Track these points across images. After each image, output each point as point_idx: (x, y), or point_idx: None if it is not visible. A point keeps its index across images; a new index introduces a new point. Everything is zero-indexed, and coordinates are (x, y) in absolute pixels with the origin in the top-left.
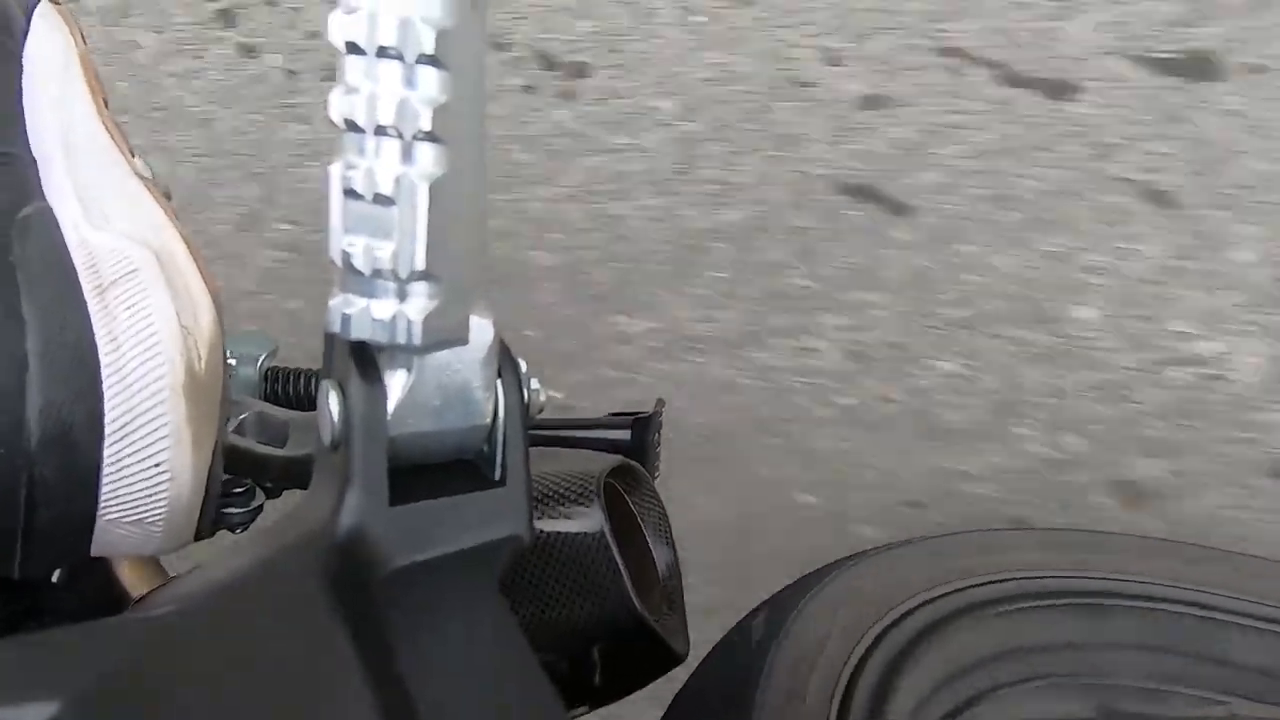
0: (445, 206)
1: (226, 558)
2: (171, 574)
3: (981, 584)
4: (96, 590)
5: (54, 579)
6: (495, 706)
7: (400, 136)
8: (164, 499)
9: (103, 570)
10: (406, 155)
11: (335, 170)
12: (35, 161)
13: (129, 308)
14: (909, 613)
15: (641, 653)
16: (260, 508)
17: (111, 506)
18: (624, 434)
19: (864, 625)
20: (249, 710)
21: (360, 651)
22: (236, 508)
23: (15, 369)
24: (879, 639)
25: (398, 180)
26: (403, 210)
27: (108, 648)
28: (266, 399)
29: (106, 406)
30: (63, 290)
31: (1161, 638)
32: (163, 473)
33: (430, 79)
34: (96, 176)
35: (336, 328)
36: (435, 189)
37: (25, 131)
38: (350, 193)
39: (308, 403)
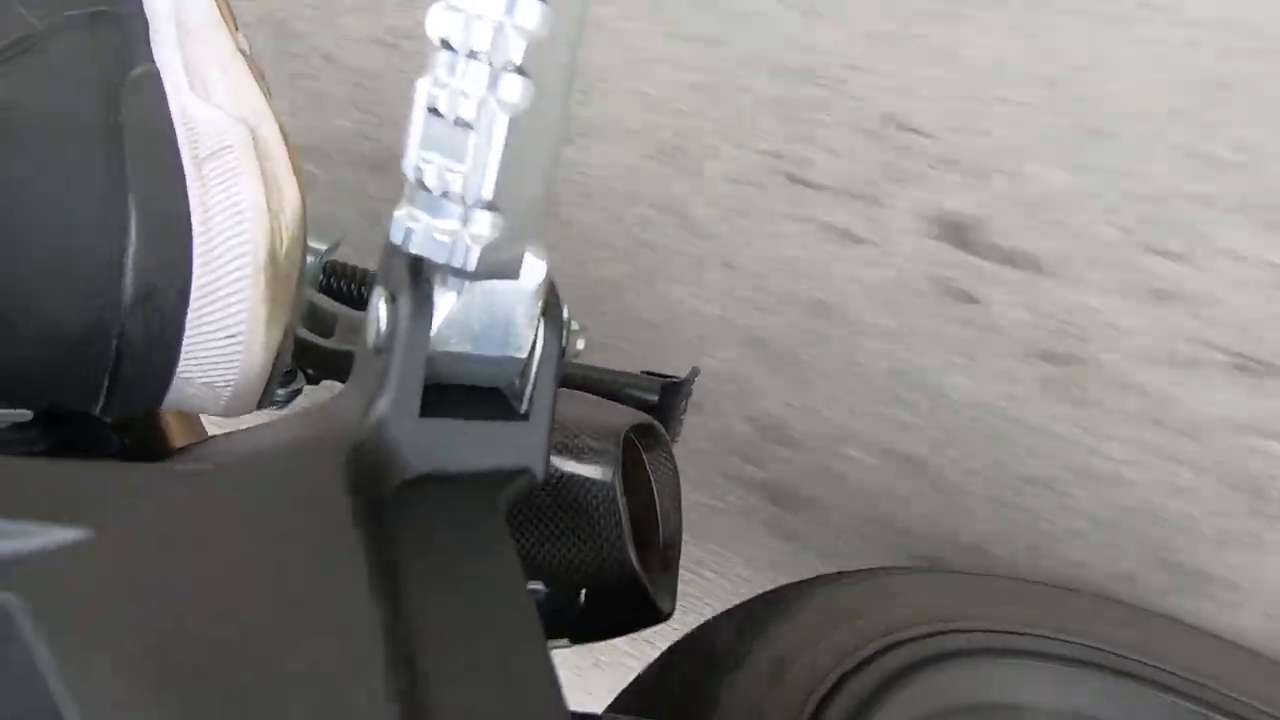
0: (521, 142)
1: (261, 431)
2: (210, 435)
3: (971, 630)
4: (140, 435)
5: (106, 419)
6: (479, 620)
7: (490, 64)
8: (235, 368)
9: (149, 418)
10: (493, 84)
11: (422, 85)
12: (147, 22)
13: (222, 183)
14: (888, 649)
15: (628, 604)
16: (299, 390)
17: (187, 367)
18: (652, 394)
19: (841, 654)
20: (256, 571)
21: (364, 541)
22: (278, 387)
23: (117, 226)
24: (854, 670)
25: (480, 106)
26: (479, 138)
27: (143, 488)
28: (322, 290)
29: (194, 275)
30: (164, 157)
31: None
32: (237, 343)
33: (530, 11)
34: (202, 47)
35: (398, 239)
36: (514, 123)
37: None
38: (433, 111)
39: (360, 302)
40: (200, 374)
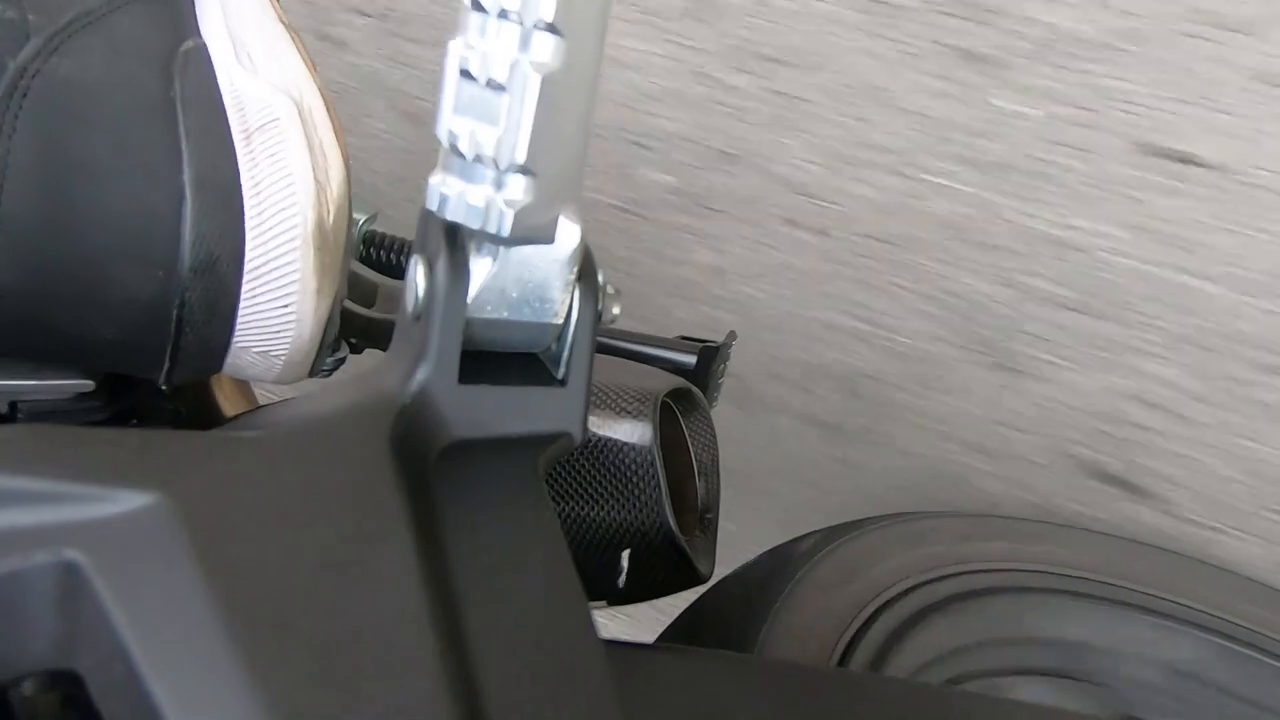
0: (554, 102)
1: (308, 399)
2: (260, 404)
3: (1007, 570)
4: (194, 404)
5: (163, 386)
6: (522, 581)
7: (521, 23)
8: (288, 337)
9: (202, 388)
10: (524, 43)
11: (454, 48)
12: None
13: (270, 156)
14: (919, 585)
15: (667, 566)
16: (343, 359)
17: (244, 336)
18: (690, 359)
19: (874, 591)
20: (309, 532)
21: (409, 505)
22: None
23: (175, 200)
24: (885, 607)
25: (512, 68)
26: (512, 99)
27: (203, 454)
28: (361, 261)
29: (246, 247)
30: (215, 131)
31: (1180, 654)
32: (289, 313)
33: None
34: (246, 17)
35: (433, 206)
36: (547, 82)
37: None
38: (465, 74)
39: (398, 271)
40: (256, 343)
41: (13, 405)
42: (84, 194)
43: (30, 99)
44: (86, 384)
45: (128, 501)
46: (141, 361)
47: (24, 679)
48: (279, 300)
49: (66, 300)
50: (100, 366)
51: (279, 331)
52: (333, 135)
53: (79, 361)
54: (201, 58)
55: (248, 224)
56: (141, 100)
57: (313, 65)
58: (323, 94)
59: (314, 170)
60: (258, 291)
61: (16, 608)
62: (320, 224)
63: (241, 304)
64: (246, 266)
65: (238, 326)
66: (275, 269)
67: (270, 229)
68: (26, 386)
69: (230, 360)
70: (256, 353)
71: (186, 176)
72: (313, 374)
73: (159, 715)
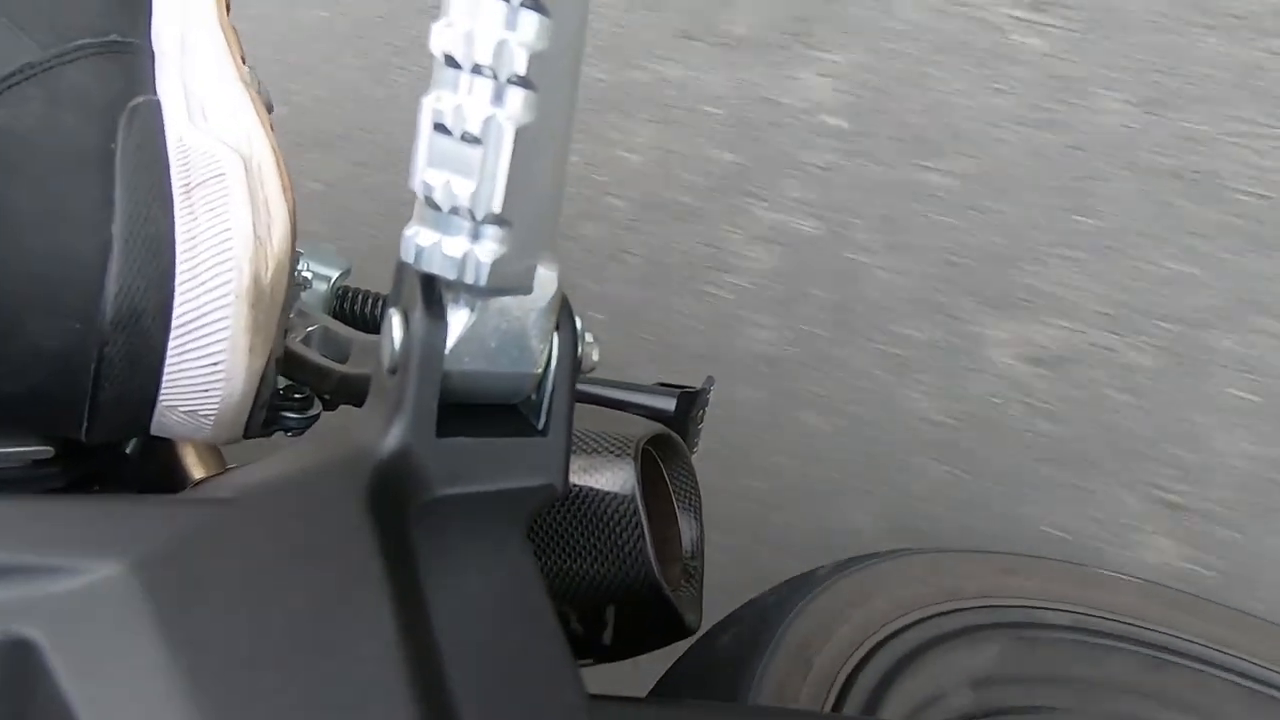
0: (528, 154)
1: (280, 459)
2: (230, 465)
3: (984, 607)
4: (160, 467)
5: (127, 450)
6: (506, 640)
7: (495, 78)
8: (217, 396)
9: (169, 451)
10: (498, 98)
11: (427, 102)
12: (153, 55)
13: (210, 210)
14: (907, 628)
15: (653, 619)
16: (317, 416)
17: (170, 394)
18: (668, 404)
19: (864, 634)
20: (281, 598)
21: (387, 565)
22: (294, 413)
23: (100, 251)
24: (878, 648)
25: (486, 121)
26: (487, 152)
27: (168, 521)
28: (335, 316)
29: (176, 301)
30: (153, 184)
31: (1162, 688)
32: (218, 372)
33: (530, 24)
34: (204, 76)
35: (409, 258)
36: (521, 135)
37: (150, 25)
38: (440, 127)
39: (372, 325)
40: (182, 401)
41: None
42: None
43: None
44: (44, 450)
45: (87, 574)
46: (57, 417)
47: None
48: (208, 359)
49: None
50: (15, 421)
51: (207, 390)
52: (280, 192)
53: None
54: (150, 113)
55: (178, 278)
56: (75, 152)
57: (268, 121)
58: (274, 150)
59: (254, 226)
60: (186, 347)
61: None
62: (257, 279)
63: (168, 360)
64: (174, 321)
65: (164, 384)
66: (205, 325)
67: (203, 283)
68: None
69: (157, 419)
70: (184, 411)
71: (116, 228)
72: (248, 434)
73: None
